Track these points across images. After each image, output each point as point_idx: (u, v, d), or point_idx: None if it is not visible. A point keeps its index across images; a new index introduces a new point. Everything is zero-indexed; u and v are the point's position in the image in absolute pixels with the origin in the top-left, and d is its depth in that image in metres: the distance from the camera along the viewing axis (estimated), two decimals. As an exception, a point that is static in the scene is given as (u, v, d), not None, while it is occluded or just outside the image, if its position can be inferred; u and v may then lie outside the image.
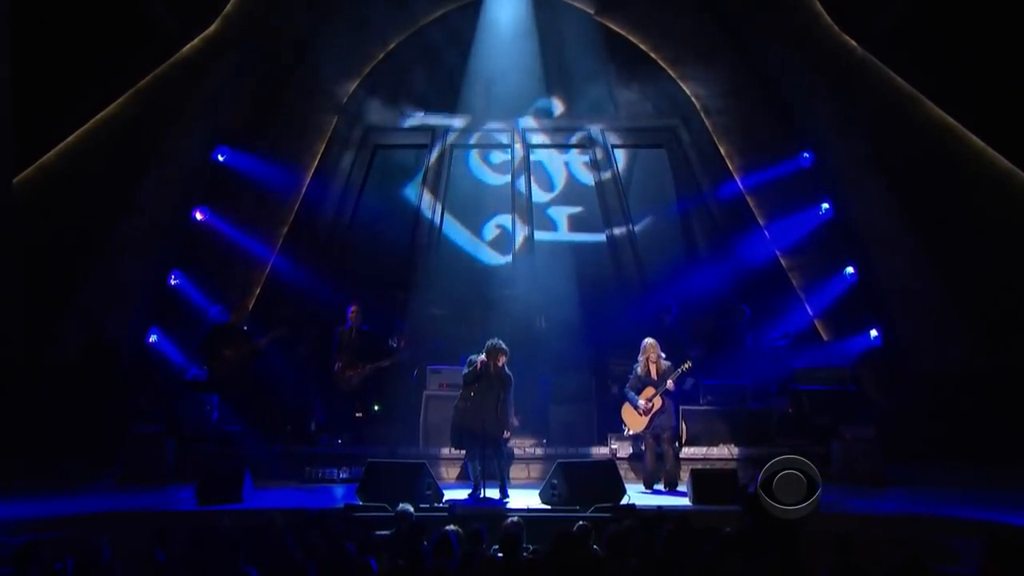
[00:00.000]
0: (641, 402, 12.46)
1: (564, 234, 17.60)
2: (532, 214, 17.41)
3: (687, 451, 13.36)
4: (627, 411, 12.67)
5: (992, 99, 13.86)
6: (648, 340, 12.74)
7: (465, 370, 11.81)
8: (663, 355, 12.69)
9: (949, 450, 13.71)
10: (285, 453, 13.55)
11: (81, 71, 14.09)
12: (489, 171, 17.86)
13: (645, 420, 12.46)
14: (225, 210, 15.88)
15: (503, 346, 11.68)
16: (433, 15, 16.89)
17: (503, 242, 17.30)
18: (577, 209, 17.72)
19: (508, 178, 17.54)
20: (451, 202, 17.53)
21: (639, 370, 12.66)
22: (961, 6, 13.90)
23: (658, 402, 12.44)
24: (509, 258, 17.09)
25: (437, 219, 17.34)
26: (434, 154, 17.49)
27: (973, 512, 10.47)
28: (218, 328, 14.51)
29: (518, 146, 17.55)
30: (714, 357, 14.65)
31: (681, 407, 13.58)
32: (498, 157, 17.87)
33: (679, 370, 12.53)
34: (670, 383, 12.45)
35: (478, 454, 11.66)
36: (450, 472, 13.36)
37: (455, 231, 17.49)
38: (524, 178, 17.50)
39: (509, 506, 11.20)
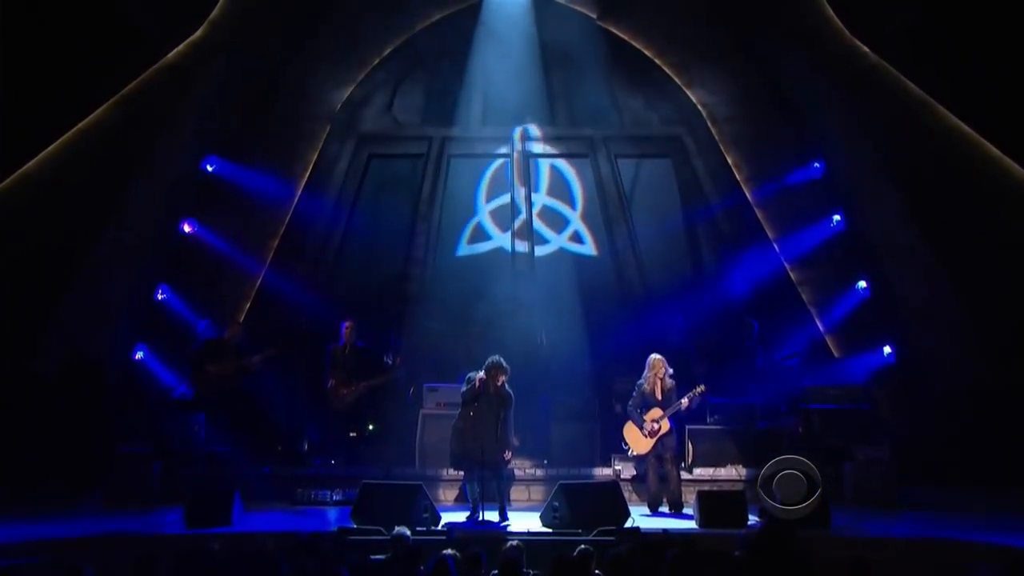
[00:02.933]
0: (647, 423, 12.47)
1: (566, 247, 17.60)
2: (532, 226, 17.45)
3: (695, 472, 13.41)
4: (630, 431, 12.66)
5: (1008, 106, 13.87)
6: (655, 356, 12.73)
7: (463, 388, 11.83)
8: (671, 372, 12.72)
9: (966, 472, 13.67)
10: (276, 474, 13.56)
11: (64, 77, 14.08)
12: (487, 181, 17.87)
13: (650, 442, 12.47)
14: (214, 222, 15.91)
15: (503, 363, 11.69)
16: (430, 19, 16.96)
17: (502, 255, 17.30)
18: (579, 221, 17.74)
19: (507, 189, 17.57)
20: (448, 213, 17.57)
21: (645, 387, 12.66)
22: (974, 9, 13.92)
23: (665, 425, 12.44)
24: (508, 272, 17.07)
25: (434, 231, 17.37)
26: (430, 164, 17.51)
27: (991, 536, 10.43)
28: (208, 344, 14.51)
29: (517, 155, 17.59)
30: (721, 374, 14.68)
31: (687, 426, 13.62)
32: (497, 167, 17.89)
33: (692, 394, 12.51)
34: (685, 401, 12.46)
35: (477, 475, 11.66)
36: (448, 494, 13.38)
37: (452, 244, 17.48)
38: (524, 189, 17.53)
39: (509, 529, 11.18)
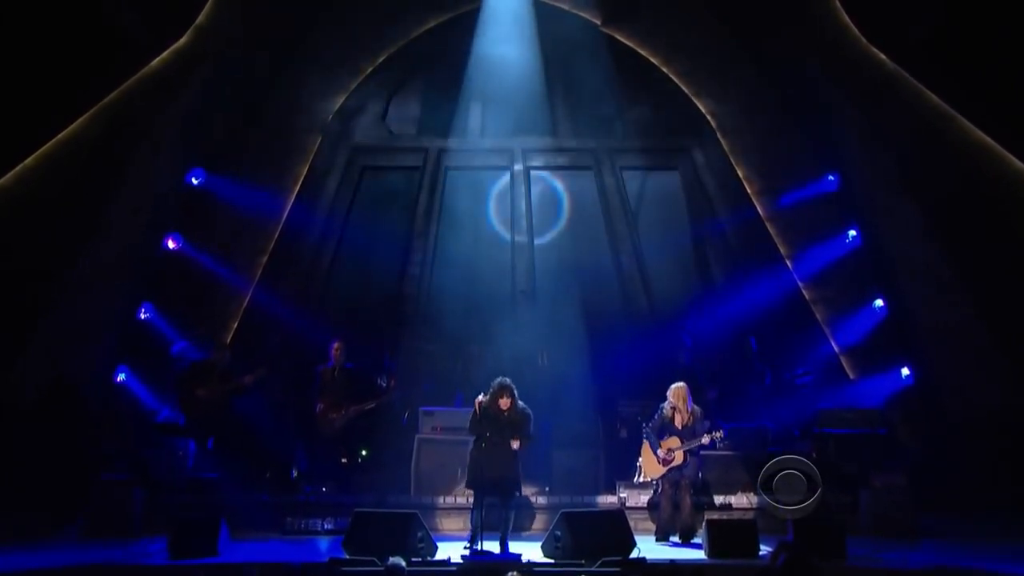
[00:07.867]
0: (661, 451, 12.52)
1: (568, 263, 17.59)
2: (533, 241, 17.48)
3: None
4: (647, 453, 12.73)
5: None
6: (677, 385, 12.75)
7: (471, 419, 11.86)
8: (692, 402, 12.73)
9: (987, 498, 13.68)
10: (265, 502, 13.58)
11: (42, 86, 14.04)
12: (486, 195, 17.91)
13: (662, 469, 12.53)
14: (199, 238, 15.97)
15: (506, 383, 11.68)
16: (426, 25, 17.02)
17: (502, 272, 17.33)
18: (582, 236, 17.75)
19: (507, 203, 17.61)
20: (445, 228, 17.59)
21: (665, 413, 12.70)
22: (997, 17, 13.95)
23: (679, 457, 12.47)
24: (508, 289, 17.11)
25: (430, 247, 17.39)
26: (427, 177, 17.56)
27: (1013, 566, 10.48)
28: (194, 366, 14.52)
29: (518, 168, 17.64)
30: (731, 396, 14.70)
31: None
32: (496, 180, 17.95)
33: (711, 436, 12.42)
34: (705, 440, 12.42)
35: (482, 502, 11.65)
36: (444, 523, 13.39)
37: (449, 260, 17.49)
38: (524, 203, 17.57)
39: (509, 560, 11.19)
